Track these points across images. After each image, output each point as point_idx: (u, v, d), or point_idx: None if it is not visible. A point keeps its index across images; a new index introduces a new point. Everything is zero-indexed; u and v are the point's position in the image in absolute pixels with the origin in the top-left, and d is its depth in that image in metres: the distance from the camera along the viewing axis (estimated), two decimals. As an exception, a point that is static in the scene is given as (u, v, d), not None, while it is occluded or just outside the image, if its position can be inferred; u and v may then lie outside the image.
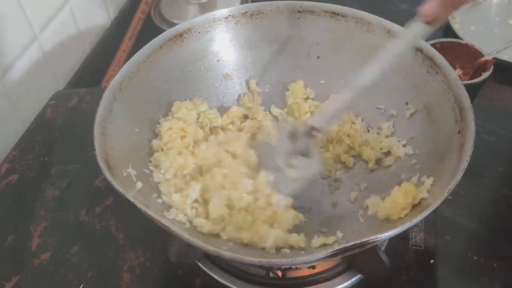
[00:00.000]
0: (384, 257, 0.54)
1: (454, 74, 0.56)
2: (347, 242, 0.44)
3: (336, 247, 0.43)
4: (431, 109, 0.58)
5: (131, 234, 0.66)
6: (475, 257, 0.64)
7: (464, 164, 0.47)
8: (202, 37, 0.67)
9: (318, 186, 0.64)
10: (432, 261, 0.60)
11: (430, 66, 0.59)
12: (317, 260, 0.45)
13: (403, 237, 0.63)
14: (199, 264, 0.61)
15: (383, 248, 0.61)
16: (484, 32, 0.99)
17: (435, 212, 0.65)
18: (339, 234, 0.54)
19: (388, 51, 0.51)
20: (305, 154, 0.57)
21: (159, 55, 0.64)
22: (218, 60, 0.69)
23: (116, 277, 0.61)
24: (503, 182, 0.73)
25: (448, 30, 0.96)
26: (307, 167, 0.57)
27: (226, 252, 0.43)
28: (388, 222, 0.52)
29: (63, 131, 0.79)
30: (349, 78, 0.53)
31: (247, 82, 0.71)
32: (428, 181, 0.52)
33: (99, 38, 1.06)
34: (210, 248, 0.44)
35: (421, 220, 0.64)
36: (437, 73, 0.58)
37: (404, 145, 0.60)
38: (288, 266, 0.57)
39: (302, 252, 0.52)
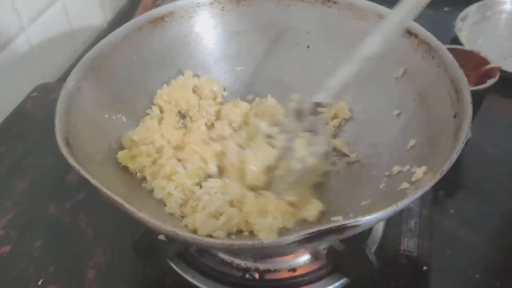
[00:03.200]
0: (372, 257, 0.50)
1: (450, 57, 0.51)
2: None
3: (309, 231, 0.38)
4: (425, 96, 0.53)
5: (101, 230, 0.61)
6: (477, 275, 0.59)
7: (460, 146, 0.42)
8: (185, 22, 0.64)
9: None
10: (425, 268, 0.55)
11: (426, 51, 0.54)
12: (288, 245, 0.39)
13: (395, 241, 0.58)
14: (171, 263, 0.56)
15: (373, 250, 0.55)
16: (492, 45, 0.95)
17: (430, 218, 0.60)
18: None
19: (390, 20, 0.48)
20: (313, 131, 0.55)
21: (137, 37, 0.60)
22: (202, 47, 0.66)
23: (80, 274, 0.56)
24: (508, 196, 0.69)
25: (455, 42, 0.93)
26: (318, 143, 0.55)
27: (183, 233, 0.38)
28: None
29: (41, 123, 0.76)
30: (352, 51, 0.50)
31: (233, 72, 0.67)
32: (420, 170, 0.47)
33: (93, 38, 1.04)
34: (167, 228, 0.39)
35: (415, 225, 0.59)
36: (433, 57, 0.54)
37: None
38: (256, 252, 0.53)
39: None
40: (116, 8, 1.13)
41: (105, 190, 0.40)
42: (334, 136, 0.63)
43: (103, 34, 1.05)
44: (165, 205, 0.53)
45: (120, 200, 0.40)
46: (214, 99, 0.65)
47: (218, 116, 0.64)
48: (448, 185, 0.70)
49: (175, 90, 0.62)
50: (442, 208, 0.67)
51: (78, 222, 0.62)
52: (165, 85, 0.63)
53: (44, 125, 0.75)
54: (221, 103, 0.65)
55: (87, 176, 0.42)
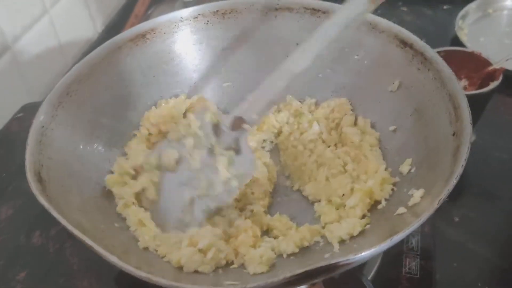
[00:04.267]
0: (369, 286, 0.47)
1: (448, 69, 0.48)
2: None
3: (297, 271, 0.35)
4: (422, 112, 0.50)
5: (86, 259, 0.58)
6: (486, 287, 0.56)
7: (459, 170, 0.39)
8: (167, 38, 0.61)
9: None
10: (429, 290, 0.52)
11: (421, 63, 0.52)
12: (277, 286, 0.36)
13: (396, 263, 0.55)
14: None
15: (370, 277, 0.52)
16: (494, 44, 0.92)
17: (433, 235, 0.57)
18: None
19: (324, 31, 0.45)
20: (235, 149, 0.50)
21: (117, 56, 0.58)
22: (187, 64, 0.63)
23: (64, 308, 0.54)
24: (518, 203, 0.66)
25: (455, 42, 0.90)
26: (242, 164, 0.49)
27: (158, 279, 0.35)
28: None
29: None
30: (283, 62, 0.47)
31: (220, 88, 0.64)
32: (418, 193, 0.44)
33: (83, 51, 1.02)
34: (142, 274, 0.36)
35: (417, 244, 0.56)
36: (429, 69, 0.51)
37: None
38: None
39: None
40: (107, 19, 1.10)
41: (75, 231, 0.38)
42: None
43: (94, 46, 1.02)
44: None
45: (90, 242, 0.37)
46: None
47: None
48: (452, 191, 0.66)
49: (163, 112, 0.59)
50: (447, 216, 0.64)
51: (63, 250, 0.59)
52: (153, 107, 0.60)
53: (29, 148, 0.73)
54: None
55: (56, 216, 0.39)
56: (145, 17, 1.10)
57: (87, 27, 1.04)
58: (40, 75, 0.90)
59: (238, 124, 0.49)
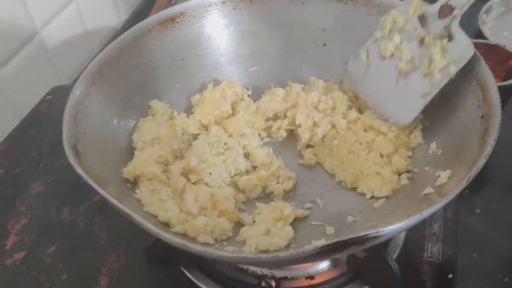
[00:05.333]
0: (394, 265, 0.47)
1: (476, 53, 0.48)
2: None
3: (328, 242, 0.36)
4: (449, 95, 0.50)
5: (114, 234, 0.60)
6: (506, 279, 0.56)
7: (488, 149, 0.40)
8: (196, 22, 0.62)
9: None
10: (450, 275, 0.52)
11: (448, 46, 0.51)
12: (305, 258, 0.37)
13: (418, 247, 0.55)
14: (184, 270, 0.55)
15: (394, 257, 0.52)
16: (518, 38, 0.91)
17: (455, 220, 0.57)
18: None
19: None
20: (447, 36, 0.49)
21: (147, 39, 0.59)
22: (214, 48, 0.64)
23: (92, 281, 0.56)
24: (540, 194, 0.65)
25: (479, 36, 0.89)
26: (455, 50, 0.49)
27: (193, 245, 0.37)
28: None
29: (56, 126, 0.74)
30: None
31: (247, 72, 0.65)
32: (445, 174, 0.44)
33: (109, 39, 1.04)
34: (177, 240, 0.37)
35: (439, 229, 0.56)
36: (456, 54, 0.50)
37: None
38: (270, 267, 0.51)
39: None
40: (131, 8, 1.12)
41: (113, 200, 0.39)
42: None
43: (118, 34, 1.04)
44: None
45: (127, 210, 0.39)
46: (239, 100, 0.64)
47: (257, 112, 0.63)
48: (474, 182, 0.66)
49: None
50: (468, 207, 0.64)
51: (92, 225, 0.61)
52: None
53: (59, 127, 0.73)
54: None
55: (94, 186, 0.40)
56: (169, 6, 1.12)
57: (112, 15, 1.06)
58: (67, 60, 0.92)
59: (446, 11, 0.48)
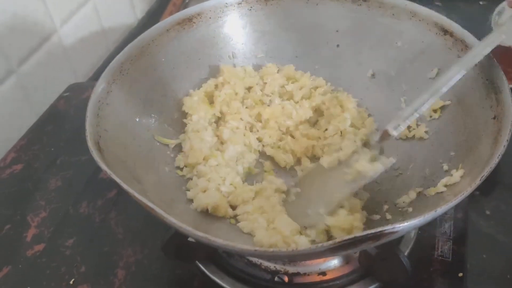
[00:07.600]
0: (405, 262, 0.48)
1: (489, 55, 0.49)
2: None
3: (345, 237, 0.37)
4: (462, 97, 0.51)
5: (131, 229, 0.62)
6: None
7: (501, 149, 0.40)
8: (213, 23, 0.64)
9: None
10: (460, 274, 0.53)
11: (461, 50, 0.52)
12: (322, 252, 0.38)
13: (428, 245, 0.56)
14: (199, 265, 0.56)
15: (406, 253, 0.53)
16: (536, 41, 0.90)
17: (466, 221, 0.58)
18: None
19: (472, 53, 0.49)
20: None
21: (165, 39, 0.60)
22: (230, 48, 0.65)
23: (110, 274, 0.57)
24: (550, 196, 0.65)
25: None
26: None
27: (215, 239, 0.38)
28: None
29: (73, 122, 0.77)
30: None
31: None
32: (457, 174, 0.45)
33: (124, 37, 1.05)
34: (198, 234, 0.39)
35: (450, 229, 0.57)
36: (469, 56, 0.51)
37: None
38: (287, 261, 0.52)
39: None
40: (146, 7, 1.14)
41: (136, 194, 0.41)
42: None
43: (133, 33, 1.06)
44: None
45: (150, 204, 0.40)
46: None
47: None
48: (485, 184, 0.66)
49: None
50: (478, 208, 0.64)
51: (108, 220, 0.63)
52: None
53: (76, 124, 0.77)
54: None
55: (118, 180, 0.42)
56: (183, 5, 1.13)
57: (128, 13, 1.07)
58: (84, 58, 0.94)
59: (384, 136, 0.52)
